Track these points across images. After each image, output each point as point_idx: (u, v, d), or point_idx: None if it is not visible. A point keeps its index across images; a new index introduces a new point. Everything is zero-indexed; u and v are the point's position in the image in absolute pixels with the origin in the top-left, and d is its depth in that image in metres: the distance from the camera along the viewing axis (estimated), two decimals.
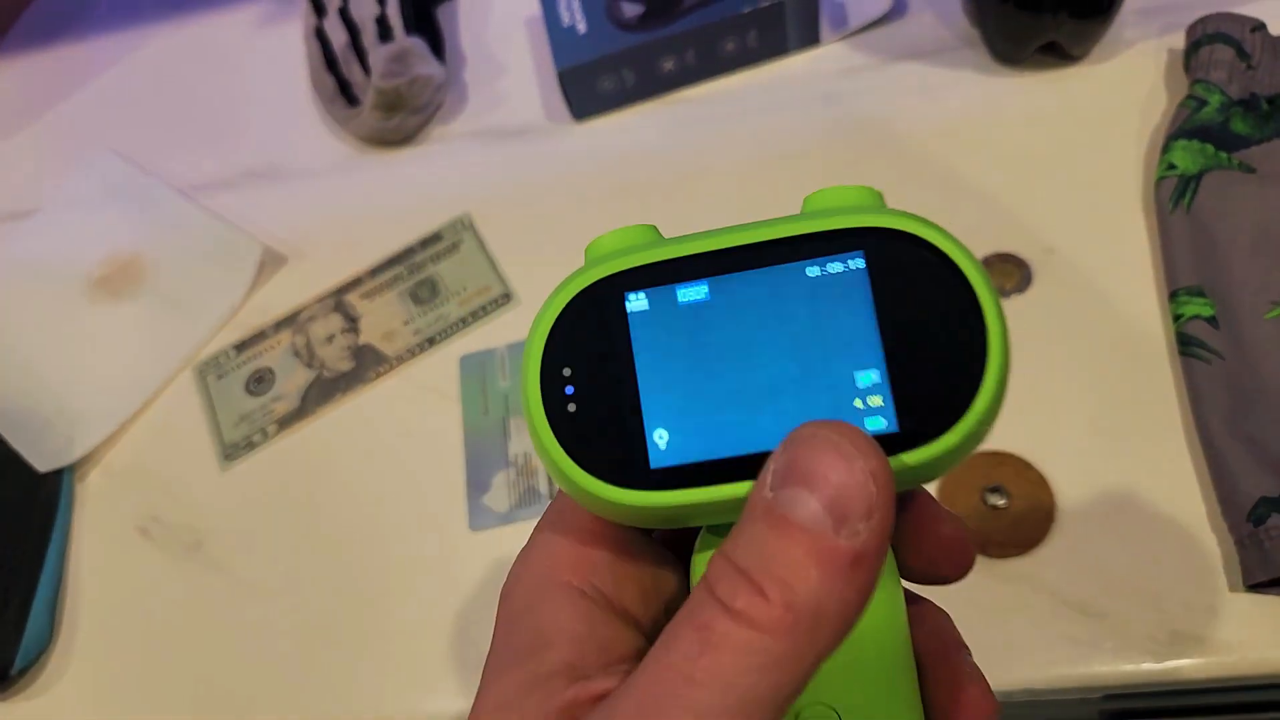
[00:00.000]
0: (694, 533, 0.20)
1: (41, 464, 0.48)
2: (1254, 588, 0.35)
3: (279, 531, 0.46)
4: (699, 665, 0.14)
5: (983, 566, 0.38)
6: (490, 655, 0.19)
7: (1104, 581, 0.37)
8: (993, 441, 0.40)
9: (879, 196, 0.19)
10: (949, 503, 0.39)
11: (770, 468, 0.15)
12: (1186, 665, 0.35)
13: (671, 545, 0.21)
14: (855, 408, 0.17)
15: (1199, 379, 0.39)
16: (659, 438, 0.17)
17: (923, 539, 0.19)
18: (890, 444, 0.16)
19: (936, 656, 0.19)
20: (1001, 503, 0.38)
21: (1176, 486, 0.38)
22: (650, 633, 0.19)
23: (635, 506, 0.17)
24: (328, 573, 0.44)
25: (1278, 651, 0.34)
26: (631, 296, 0.18)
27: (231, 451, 0.48)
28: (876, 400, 0.17)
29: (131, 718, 0.42)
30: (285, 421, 0.48)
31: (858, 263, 0.17)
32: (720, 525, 0.19)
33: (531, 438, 0.18)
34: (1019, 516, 0.38)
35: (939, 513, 0.20)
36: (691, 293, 0.18)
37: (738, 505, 0.17)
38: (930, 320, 0.17)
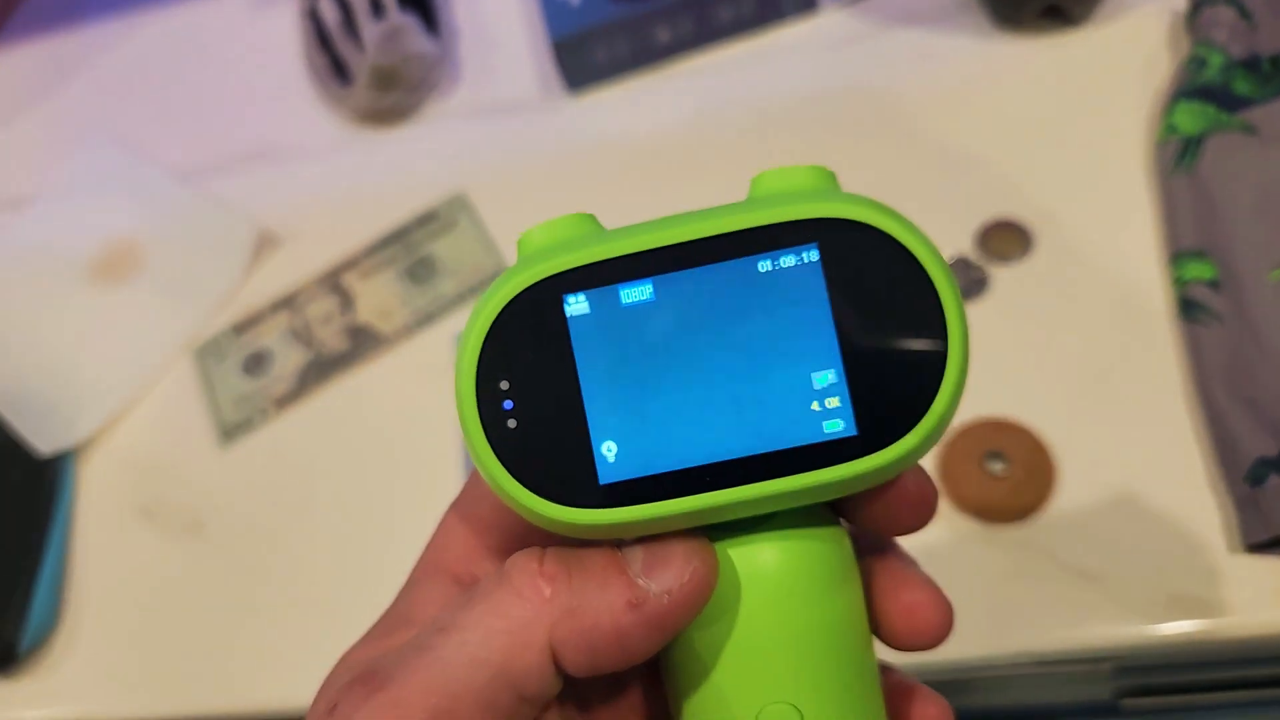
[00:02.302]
0: None
1: (44, 447, 0.48)
2: (1253, 548, 0.35)
3: (279, 510, 0.46)
4: (457, 616, 0.17)
5: (983, 533, 0.38)
6: (395, 625, 0.19)
7: (1104, 546, 0.37)
8: (993, 408, 0.40)
9: (832, 178, 0.17)
10: (949, 470, 0.39)
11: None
12: (1187, 627, 0.35)
13: None
14: (812, 410, 0.16)
15: (1200, 342, 0.38)
16: (607, 450, 0.16)
17: (884, 496, 0.19)
18: (849, 447, 0.16)
19: (877, 563, 0.19)
20: (1001, 469, 0.38)
21: (1176, 450, 0.38)
22: None
23: (585, 524, 0.16)
24: (327, 550, 0.44)
25: (1276, 611, 0.34)
26: (571, 299, 0.16)
27: (231, 432, 0.48)
28: (834, 402, 0.16)
29: (136, 697, 0.43)
30: (284, 402, 0.48)
31: (812, 255, 0.16)
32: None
33: (471, 455, 0.17)
34: (1019, 483, 0.38)
35: None
36: (635, 293, 0.16)
37: (691, 518, 0.17)
38: (888, 317, 0.16)
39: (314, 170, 0.55)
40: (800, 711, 0.17)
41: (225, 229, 0.53)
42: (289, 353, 0.49)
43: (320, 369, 0.49)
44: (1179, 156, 0.42)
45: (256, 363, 0.49)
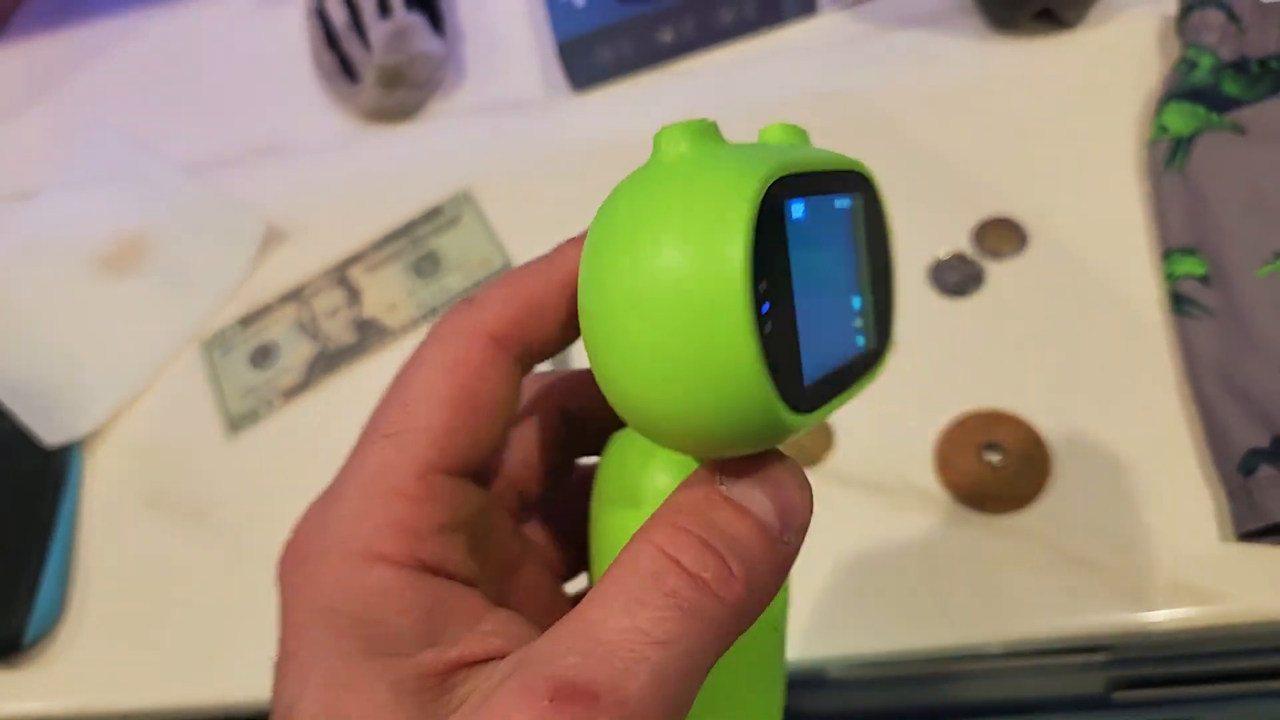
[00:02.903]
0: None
1: (50, 438, 0.48)
2: (1245, 537, 0.36)
3: (285, 502, 0.46)
4: (669, 629, 0.14)
5: (980, 522, 0.38)
6: (293, 635, 0.16)
7: (1100, 535, 0.37)
8: (990, 400, 0.40)
9: (808, 136, 0.20)
10: (948, 460, 0.39)
11: (715, 467, 0.16)
12: (1181, 614, 0.36)
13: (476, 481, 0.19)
14: (854, 327, 0.18)
15: (1191, 336, 0.39)
16: (807, 355, 0.16)
17: None
18: (867, 361, 0.19)
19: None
20: (998, 459, 0.39)
21: (1169, 441, 0.39)
22: (487, 589, 0.18)
23: (798, 429, 0.15)
24: None
25: (1269, 599, 0.35)
26: (795, 205, 0.16)
27: (237, 423, 0.48)
28: (858, 323, 0.19)
29: (140, 687, 0.43)
30: (290, 394, 0.49)
31: (848, 201, 0.19)
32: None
33: (702, 369, 0.14)
34: (1016, 473, 0.39)
35: None
36: (799, 209, 0.16)
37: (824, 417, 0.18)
38: (880, 253, 0.20)
39: (321, 166, 0.56)
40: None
41: (233, 223, 0.53)
42: (296, 345, 0.50)
43: (327, 361, 0.49)
44: (1170, 156, 0.43)
45: (263, 355, 0.50)
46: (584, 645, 0.15)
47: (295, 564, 0.18)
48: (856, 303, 0.18)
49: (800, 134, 0.19)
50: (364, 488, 0.17)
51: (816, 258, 0.17)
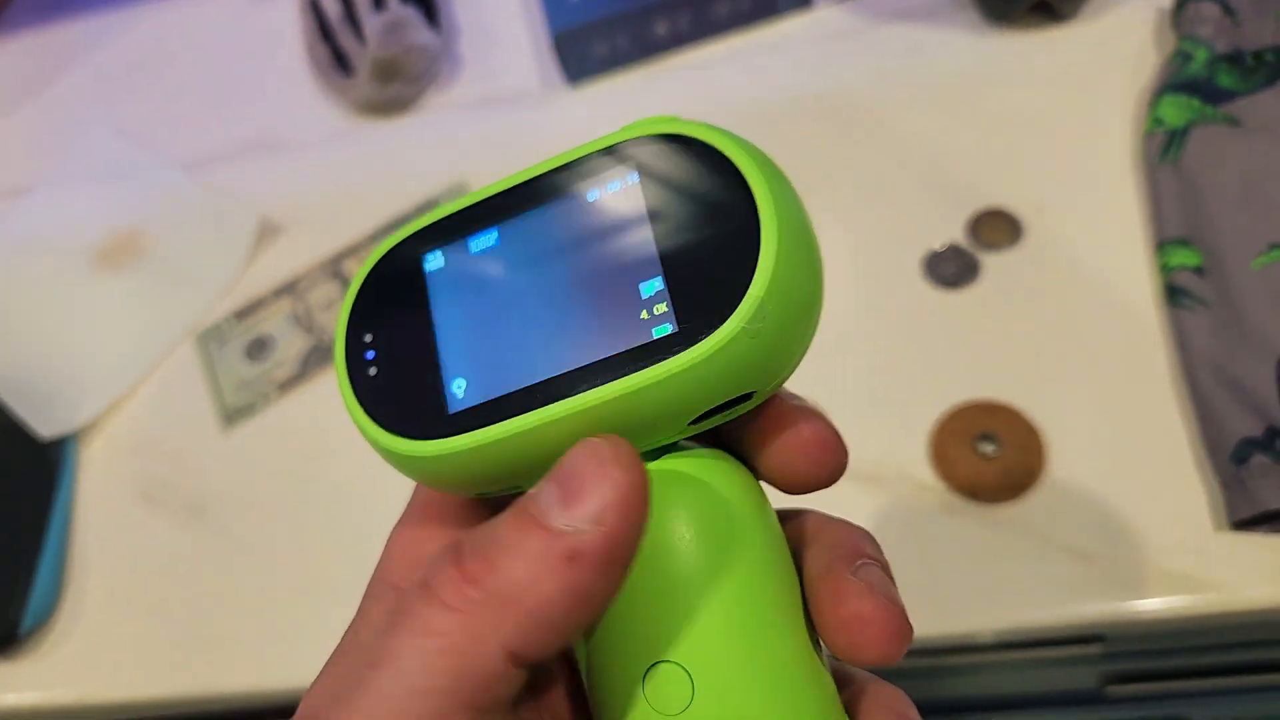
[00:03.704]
0: None
1: (45, 431, 0.48)
2: (1238, 525, 0.36)
3: (280, 494, 0.46)
4: (385, 642, 0.15)
5: (975, 512, 0.38)
6: (348, 657, 0.17)
7: (1093, 524, 0.37)
8: (984, 391, 0.40)
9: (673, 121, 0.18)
10: (943, 451, 0.39)
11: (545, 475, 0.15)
12: (1175, 603, 0.36)
13: None
14: (642, 320, 0.16)
15: (1185, 326, 0.39)
16: (457, 388, 0.17)
17: (778, 443, 0.18)
18: (672, 344, 0.16)
19: (821, 570, 0.18)
20: (993, 450, 0.39)
21: (1163, 431, 0.39)
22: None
23: (435, 455, 0.17)
24: (327, 534, 0.45)
25: (1262, 588, 0.35)
26: (429, 256, 0.18)
27: (233, 416, 0.48)
28: (661, 308, 0.16)
29: (136, 679, 0.43)
30: (286, 386, 0.49)
31: (632, 178, 0.17)
32: None
33: (345, 406, 0.18)
34: (1010, 463, 0.39)
35: (796, 413, 0.18)
36: (482, 241, 0.18)
37: (537, 435, 0.16)
38: (701, 217, 0.16)
39: (316, 160, 0.56)
40: (689, 675, 0.16)
41: (228, 217, 0.53)
42: (291, 338, 0.50)
43: (322, 354, 0.49)
44: (1165, 148, 0.43)
45: (259, 348, 0.50)
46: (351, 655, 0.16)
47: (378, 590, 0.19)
48: (649, 288, 0.16)
49: (646, 125, 0.17)
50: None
51: (510, 282, 0.17)
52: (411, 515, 0.19)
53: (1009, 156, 0.46)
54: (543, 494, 0.15)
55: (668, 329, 0.16)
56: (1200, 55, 0.44)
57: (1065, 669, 0.45)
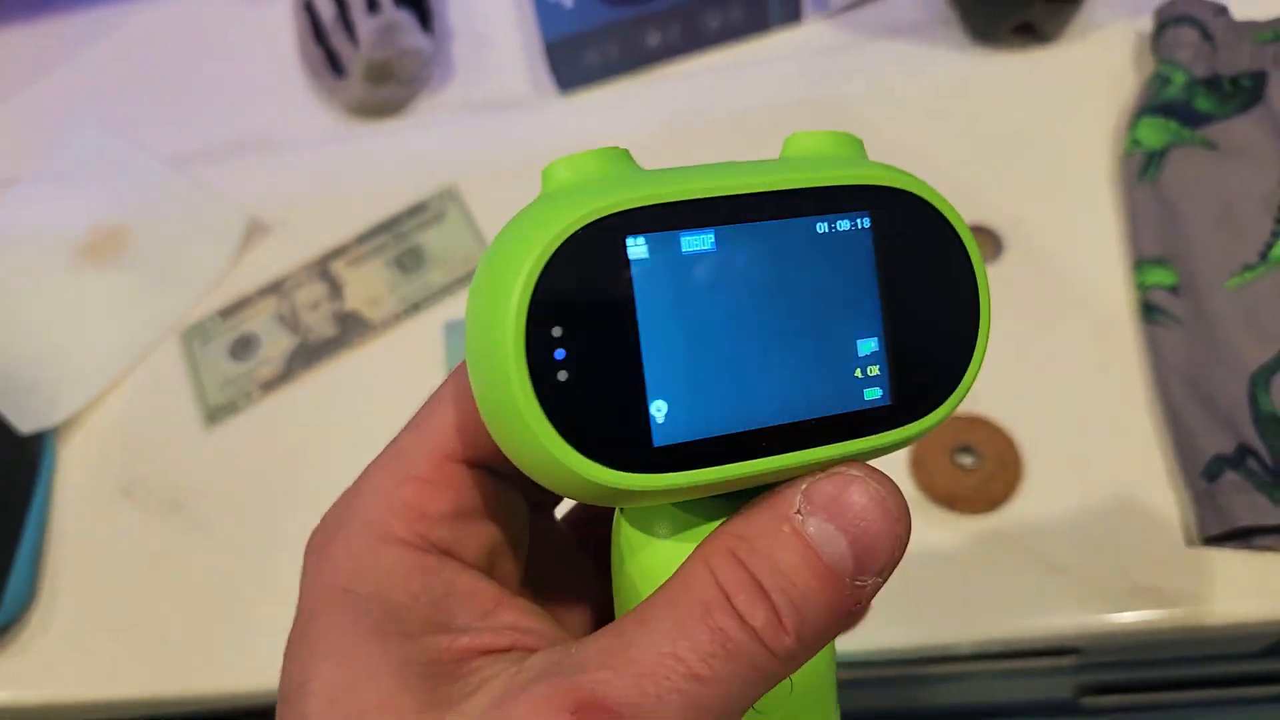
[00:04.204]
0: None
1: (24, 426, 0.48)
2: (1210, 541, 0.36)
3: (261, 493, 0.46)
4: (710, 665, 0.14)
5: (952, 523, 0.39)
6: (307, 614, 0.16)
7: (1068, 537, 0.38)
8: (964, 404, 0.41)
9: (861, 146, 0.17)
10: (920, 462, 0.40)
11: (801, 488, 0.15)
12: (1148, 616, 0.36)
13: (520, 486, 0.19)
14: (855, 378, 0.16)
15: (1160, 343, 0.40)
16: (658, 410, 0.15)
17: None
18: (885, 417, 0.16)
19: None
20: (971, 462, 0.40)
21: (1137, 446, 0.39)
22: (506, 581, 0.18)
23: (635, 491, 0.15)
24: (307, 534, 0.44)
25: (1232, 603, 0.36)
26: (632, 241, 0.15)
27: (215, 414, 0.48)
28: (874, 370, 0.16)
29: (113, 675, 0.43)
30: (269, 386, 0.49)
31: (864, 222, 0.16)
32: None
33: (497, 411, 0.15)
34: (988, 475, 0.39)
35: None
36: (697, 241, 0.15)
37: (732, 485, 0.16)
38: (928, 288, 0.16)
39: (305, 160, 0.56)
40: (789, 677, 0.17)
41: (215, 215, 0.53)
42: (276, 337, 0.50)
43: (307, 354, 0.49)
44: (1143, 169, 0.44)
45: (243, 346, 0.50)
46: (618, 661, 0.14)
47: (318, 545, 0.18)
48: (866, 346, 0.16)
49: (840, 143, 0.17)
50: (383, 471, 0.18)
51: (718, 299, 0.15)
52: (397, 464, 0.18)
53: (991, 173, 0.47)
54: (830, 544, 0.15)
55: (878, 394, 0.16)
56: (1178, 79, 0.45)
57: (1041, 680, 0.46)
